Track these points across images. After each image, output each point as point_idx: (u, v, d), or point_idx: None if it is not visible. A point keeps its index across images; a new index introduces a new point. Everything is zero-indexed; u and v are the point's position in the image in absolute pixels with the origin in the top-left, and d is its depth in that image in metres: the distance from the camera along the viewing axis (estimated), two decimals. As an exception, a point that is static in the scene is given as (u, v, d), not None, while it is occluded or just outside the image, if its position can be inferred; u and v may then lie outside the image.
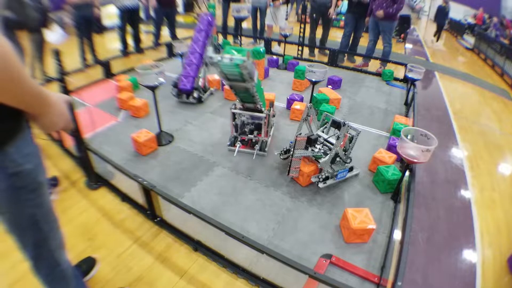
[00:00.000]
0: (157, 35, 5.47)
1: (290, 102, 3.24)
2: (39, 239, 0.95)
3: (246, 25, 6.89)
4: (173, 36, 5.51)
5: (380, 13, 4.38)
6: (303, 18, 5.36)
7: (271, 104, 2.57)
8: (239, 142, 2.47)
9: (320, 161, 2.05)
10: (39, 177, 0.87)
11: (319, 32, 5.47)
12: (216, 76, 3.73)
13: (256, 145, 2.44)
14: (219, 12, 5.78)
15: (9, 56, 0.59)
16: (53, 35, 4.12)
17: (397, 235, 1.74)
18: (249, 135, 2.48)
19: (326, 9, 5.11)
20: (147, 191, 1.72)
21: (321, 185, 2.03)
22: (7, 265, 1.58)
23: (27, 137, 0.82)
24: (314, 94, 3.08)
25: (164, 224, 1.82)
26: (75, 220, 1.86)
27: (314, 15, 5.24)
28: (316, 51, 5.69)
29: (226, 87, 3.38)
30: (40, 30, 3.47)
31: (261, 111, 2.33)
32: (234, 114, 2.38)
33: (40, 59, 3.60)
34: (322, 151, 2.13)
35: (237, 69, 1.78)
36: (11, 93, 0.64)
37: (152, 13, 5.50)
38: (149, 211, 1.84)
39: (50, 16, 3.71)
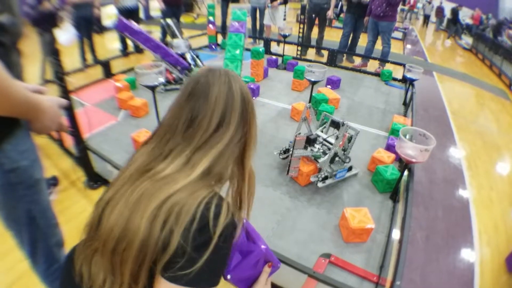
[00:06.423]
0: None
1: None
2: (36, 236, 0.96)
3: (245, 25, 6.90)
4: None
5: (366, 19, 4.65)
6: (302, 19, 5.38)
7: None
8: None
9: (319, 160, 2.06)
10: (35, 174, 0.88)
11: (315, 32, 5.50)
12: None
13: None
14: (218, 12, 5.78)
15: None
16: (63, 35, 4.08)
17: (396, 234, 1.75)
18: None
19: (321, 9, 5.15)
20: (147, 191, 1.72)
21: (320, 184, 2.03)
22: (6, 265, 1.58)
23: (24, 134, 0.83)
24: (313, 94, 3.09)
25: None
26: (74, 219, 1.87)
27: (313, 15, 5.27)
28: (312, 51, 5.70)
29: None
30: (51, 30, 3.45)
31: None
32: None
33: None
34: (321, 150, 2.14)
35: None
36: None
37: (151, 13, 5.48)
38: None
39: (60, 15, 3.69)
